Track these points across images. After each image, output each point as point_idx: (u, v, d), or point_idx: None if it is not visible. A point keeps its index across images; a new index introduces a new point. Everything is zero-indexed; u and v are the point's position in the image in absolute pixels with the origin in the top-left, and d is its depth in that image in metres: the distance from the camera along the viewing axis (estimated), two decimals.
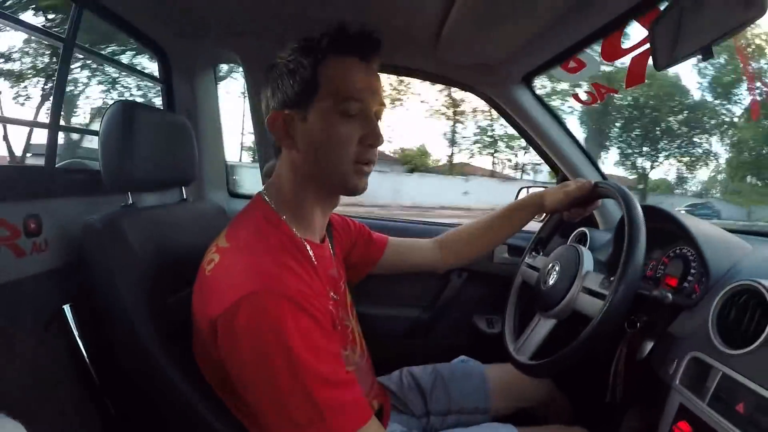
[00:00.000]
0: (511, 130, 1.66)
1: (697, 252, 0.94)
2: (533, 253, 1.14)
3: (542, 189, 1.09)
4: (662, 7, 0.77)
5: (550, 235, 1.15)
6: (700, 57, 0.64)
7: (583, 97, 1.28)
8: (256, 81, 1.43)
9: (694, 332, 0.80)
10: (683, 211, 1.18)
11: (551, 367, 0.81)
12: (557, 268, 0.93)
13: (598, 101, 1.22)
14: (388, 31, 1.15)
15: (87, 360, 0.87)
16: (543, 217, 1.22)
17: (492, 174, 21.85)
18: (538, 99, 1.42)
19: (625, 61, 1.02)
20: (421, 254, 1.08)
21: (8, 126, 12.44)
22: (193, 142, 1.07)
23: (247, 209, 0.75)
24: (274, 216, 0.72)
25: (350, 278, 0.94)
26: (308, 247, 0.72)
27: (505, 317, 1.09)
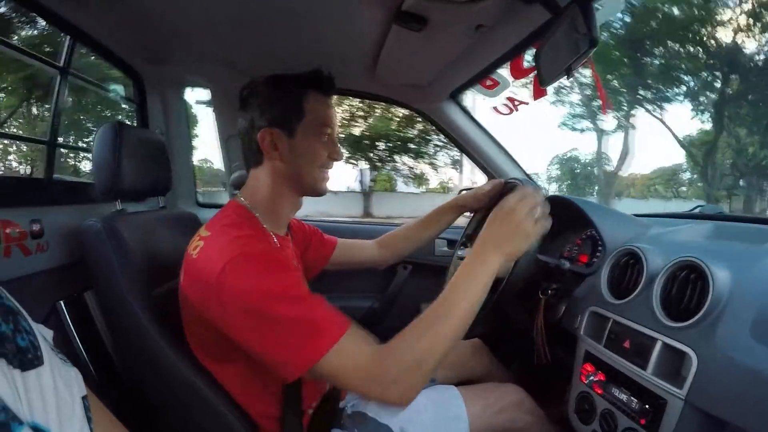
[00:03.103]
0: None
1: (596, 231, 1.14)
2: (462, 247, 1.31)
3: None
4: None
5: (476, 230, 1.30)
6: (566, 76, 0.85)
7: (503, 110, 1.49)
8: (221, 103, 1.60)
9: (592, 292, 0.99)
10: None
11: (479, 325, 0.96)
12: None
13: (513, 111, 1.44)
14: (335, 60, 1.33)
15: (83, 352, 0.97)
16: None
17: None
18: (465, 112, 1.63)
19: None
20: (364, 253, 1.26)
21: None
22: (168, 156, 1.20)
23: (224, 209, 0.89)
24: (248, 213, 0.88)
25: (306, 275, 1.08)
26: (274, 237, 0.89)
27: None
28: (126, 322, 0.88)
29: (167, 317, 0.89)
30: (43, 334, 0.37)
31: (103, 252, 0.91)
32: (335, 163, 0.94)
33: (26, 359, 0.32)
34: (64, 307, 1.00)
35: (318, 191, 0.92)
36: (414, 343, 0.72)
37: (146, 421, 0.95)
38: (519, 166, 1.68)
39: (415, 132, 14.28)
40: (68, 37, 1.15)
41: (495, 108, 1.46)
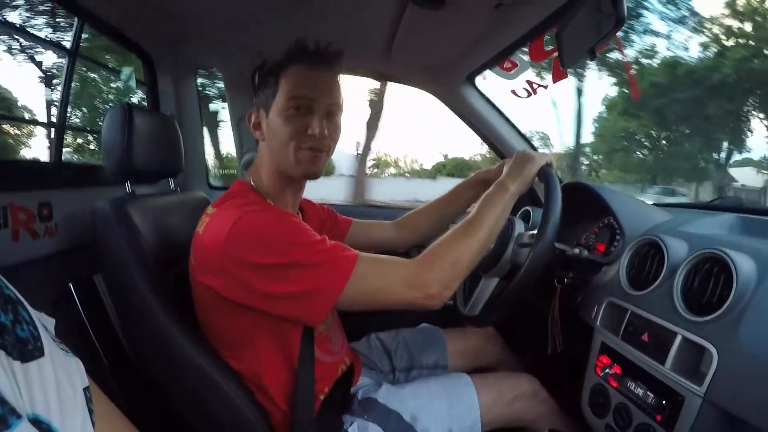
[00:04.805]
0: None
1: (615, 219, 1.10)
2: None
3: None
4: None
5: None
6: (588, 57, 0.81)
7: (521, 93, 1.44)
8: (234, 86, 1.59)
9: (610, 282, 0.96)
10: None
11: (495, 311, 0.94)
12: None
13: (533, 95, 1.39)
14: (349, 40, 1.30)
15: (92, 334, 0.98)
16: None
17: None
18: (481, 94, 1.58)
19: None
20: (380, 233, 1.21)
21: None
22: (179, 138, 1.19)
23: (230, 188, 0.89)
24: (254, 189, 0.87)
25: None
26: None
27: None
28: (135, 305, 0.88)
29: (177, 300, 0.89)
30: (44, 324, 0.36)
31: (112, 235, 0.90)
32: (336, 141, 0.89)
33: (26, 350, 0.32)
34: (73, 290, 1.00)
35: (300, 173, 0.86)
36: (451, 245, 0.80)
37: (155, 404, 0.96)
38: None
39: None
40: (76, 19, 1.13)
41: (513, 91, 1.41)
